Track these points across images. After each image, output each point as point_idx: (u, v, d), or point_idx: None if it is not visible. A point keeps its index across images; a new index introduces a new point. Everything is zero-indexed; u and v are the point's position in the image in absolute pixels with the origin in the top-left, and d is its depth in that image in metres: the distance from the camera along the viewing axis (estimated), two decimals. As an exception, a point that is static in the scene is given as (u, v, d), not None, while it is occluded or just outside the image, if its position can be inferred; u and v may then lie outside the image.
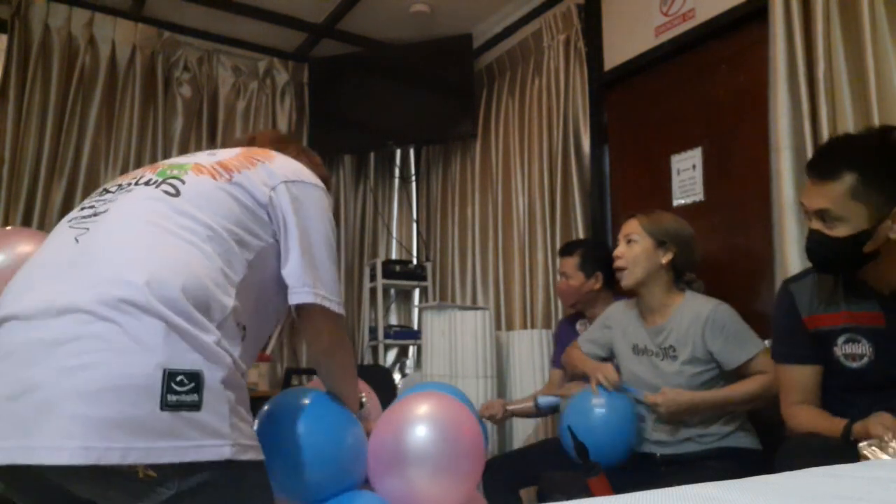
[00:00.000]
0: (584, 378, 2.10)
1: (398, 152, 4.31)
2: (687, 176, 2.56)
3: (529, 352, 2.84)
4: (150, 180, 1.09)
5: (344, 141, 3.93)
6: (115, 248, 0.97)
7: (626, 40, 2.85)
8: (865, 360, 1.44)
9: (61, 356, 0.87)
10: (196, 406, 0.89)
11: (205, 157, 1.18)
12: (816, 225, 1.39)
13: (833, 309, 1.48)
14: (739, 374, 1.82)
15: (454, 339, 2.90)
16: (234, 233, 1.07)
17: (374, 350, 3.81)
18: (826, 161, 1.38)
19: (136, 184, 1.09)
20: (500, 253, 3.41)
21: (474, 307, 3.17)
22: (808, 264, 1.94)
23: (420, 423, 1.27)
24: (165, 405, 0.87)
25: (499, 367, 2.94)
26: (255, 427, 1.21)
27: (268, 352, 3.47)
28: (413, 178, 4.31)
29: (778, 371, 1.58)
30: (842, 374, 1.46)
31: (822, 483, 0.76)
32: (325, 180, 1.47)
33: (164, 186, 1.07)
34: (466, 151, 3.79)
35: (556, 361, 2.63)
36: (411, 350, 4.02)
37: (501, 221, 3.43)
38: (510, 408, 2.40)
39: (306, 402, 1.29)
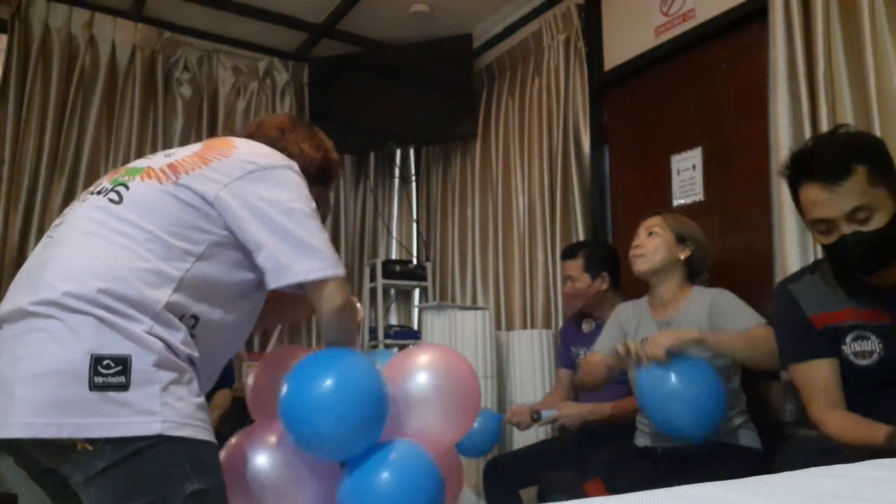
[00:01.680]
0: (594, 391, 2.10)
1: (398, 152, 4.31)
2: (687, 176, 2.56)
3: (529, 352, 2.84)
4: (102, 189, 1.21)
5: (344, 141, 3.89)
6: (57, 257, 1.11)
7: (626, 40, 2.85)
8: (875, 357, 1.41)
9: (15, 348, 1.03)
10: (123, 387, 1.01)
11: (160, 160, 1.24)
12: (850, 228, 1.33)
13: (838, 306, 1.46)
14: None
15: (454, 339, 2.90)
16: (176, 232, 1.14)
17: (374, 350, 3.81)
18: (832, 163, 1.34)
19: (93, 193, 1.21)
20: (500, 253, 3.41)
21: (474, 307, 3.17)
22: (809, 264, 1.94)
23: (424, 370, 1.40)
24: (94, 386, 0.99)
25: (499, 367, 2.94)
26: (284, 391, 1.26)
27: (268, 351, 3.47)
28: (413, 178, 4.30)
29: (793, 374, 1.51)
30: (852, 373, 1.43)
31: (822, 483, 0.76)
32: (333, 164, 1.50)
33: (110, 195, 1.18)
34: (466, 151, 3.79)
35: (561, 361, 2.62)
36: (411, 350, 4.02)
37: (501, 221, 3.43)
38: (539, 415, 2.37)
39: (331, 359, 1.30)
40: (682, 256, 1.97)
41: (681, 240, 1.97)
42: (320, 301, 1.23)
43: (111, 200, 1.17)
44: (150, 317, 1.07)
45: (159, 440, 1.02)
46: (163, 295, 1.09)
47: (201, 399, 1.12)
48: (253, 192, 1.19)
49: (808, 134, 2.03)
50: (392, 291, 4.13)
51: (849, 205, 1.32)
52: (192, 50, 3.65)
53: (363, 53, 3.85)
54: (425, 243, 4.12)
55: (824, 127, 1.98)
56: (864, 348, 1.42)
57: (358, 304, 1.44)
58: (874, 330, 1.42)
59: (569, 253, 2.51)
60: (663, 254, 1.95)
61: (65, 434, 0.97)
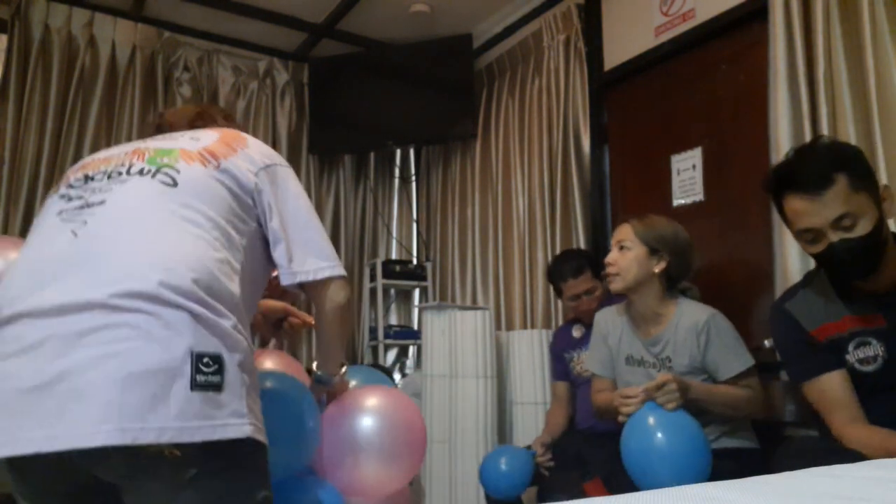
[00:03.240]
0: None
1: (398, 152, 4.31)
2: (687, 176, 2.56)
3: (529, 352, 2.84)
4: (143, 170, 1.10)
5: (344, 141, 3.93)
6: (126, 243, 0.99)
7: (626, 40, 2.85)
8: (879, 361, 1.41)
9: (88, 346, 0.89)
10: (219, 387, 0.94)
11: (188, 143, 1.17)
12: (837, 235, 1.34)
13: (835, 316, 1.46)
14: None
15: (454, 339, 2.90)
16: (230, 221, 1.10)
17: (374, 350, 3.81)
18: (813, 174, 1.35)
19: (129, 173, 1.09)
20: (500, 253, 3.41)
21: (474, 307, 3.17)
22: (809, 265, 1.94)
23: (369, 414, 1.36)
24: (195, 385, 0.91)
25: (499, 367, 2.94)
26: None
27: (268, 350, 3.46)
28: (413, 178, 4.31)
29: (806, 392, 1.50)
30: (859, 381, 1.43)
31: (822, 483, 0.76)
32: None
33: (159, 177, 1.08)
34: (466, 151, 3.79)
35: (556, 374, 2.59)
36: (411, 350, 4.02)
37: (501, 221, 3.43)
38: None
39: (266, 383, 1.28)
40: (658, 270, 1.85)
41: (654, 251, 1.85)
42: (323, 299, 1.21)
43: (164, 183, 1.07)
44: (231, 311, 1.01)
45: (247, 444, 0.96)
46: (236, 287, 1.04)
47: (260, 403, 1.06)
48: (275, 186, 1.19)
49: (808, 134, 2.03)
50: (392, 291, 4.13)
51: (833, 213, 1.33)
52: (192, 50, 3.65)
53: (363, 53, 3.85)
54: (425, 243, 4.12)
55: (824, 127, 1.98)
56: (867, 354, 1.42)
57: None
58: (874, 334, 1.42)
59: (576, 270, 2.37)
60: (636, 271, 1.84)
61: (165, 438, 0.88)
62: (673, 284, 1.91)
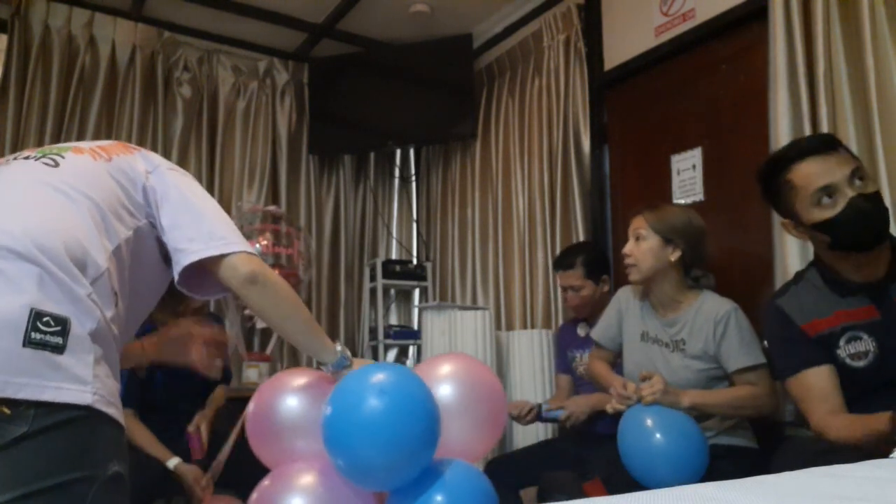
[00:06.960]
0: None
1: (398, 152, 4.31)
2: (687, 176, 2.56)
3: (529, 352, 2.84)
4: (28, 157, 1.17)
5: (344, 141, 3.93)
6: (1, 207, 1.04)
7: (626, 40, 2.85)
8: (871, 356, 1.41)
9: None
10: (59, 349, 0.93)
11: (84, 143, 1.25)
12: (855, 190, 1.38)
13: (826, 311, 1.45)
14: (734, 381, 1.82)
15: (454, 339, 2.90)
16: (111, 205, 1.14)
17: (374, 350, 3.81)
18: (820, 139, 1.49)
19: (15, 160, 1.17)
20: (500, 253, 3.41)
21: (474, 307, 3.17)
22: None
23: (446, 381, 1.36)
24: (28, 342, 0.91)
25: (499, 367, 2.94)
26: (328, 413, 1.20)
27: (268, 352, 3.47)
28: (413, 178, 4.31)
29: (791, 387, 1.50)
30: (850, 377, 1.43)
31: (822, 483, 0.76)
32: None
33: (43, 160, 1.15)
34: (466, 151, 3.79)
35: (559, 367, 2.62)
36: (411, 350, 4.02)
37: (501, 221, 3.43)
38: (539, 408, 2.36)
39: (377, 377, 1.20)
40: (673, 258, 1.88)
41: (667, 241, 1.88)
42: (228, 279, 1.18)
43: (46, 164, 1.14)
44: (90, 281, 1.02)
45: (88, 413, 0.94)
46: (103, 262, 1.06)
47: (118, 384, 1.06)
48: (165, 184, 1.22)
49: (808, 134, 2.03)
50: (392, 291, 4.13)
51: (848, 167, 1.39)
52: (192, 50, 3.65)
53: (363, 53, 3.85)
54: (425, 243, 4.12)
55: (824, 127, 1.98)
56: (858, 349, 1.42)
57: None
58: (866, 328, 1.42)
59: (565, 263, 2.43)
60: (651, 261, 1.88)
61: None
62: (688, 272, 1.94)
